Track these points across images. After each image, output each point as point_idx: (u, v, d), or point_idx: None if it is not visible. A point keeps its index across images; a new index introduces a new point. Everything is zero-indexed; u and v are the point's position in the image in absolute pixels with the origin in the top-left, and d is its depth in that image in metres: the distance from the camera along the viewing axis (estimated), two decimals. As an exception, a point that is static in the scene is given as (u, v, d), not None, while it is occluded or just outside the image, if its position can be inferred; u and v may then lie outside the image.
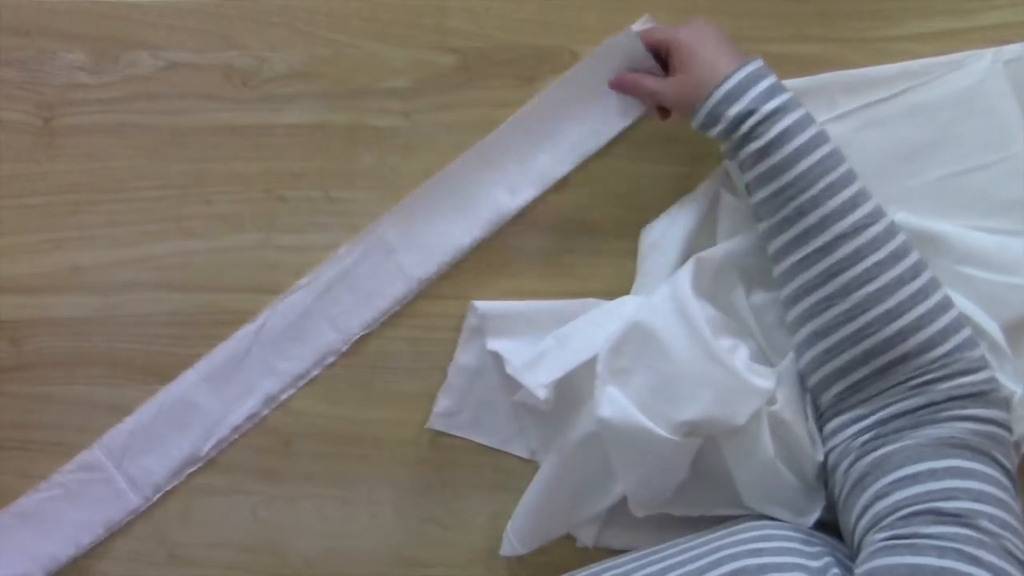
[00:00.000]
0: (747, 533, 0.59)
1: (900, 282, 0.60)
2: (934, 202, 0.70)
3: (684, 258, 0.71)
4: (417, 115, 0.76)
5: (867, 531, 0.55)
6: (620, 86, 0.73)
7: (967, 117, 0.71)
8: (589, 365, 0.67)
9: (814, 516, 0.64)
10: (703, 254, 0.69)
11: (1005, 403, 0.60)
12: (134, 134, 0.77)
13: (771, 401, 0.64)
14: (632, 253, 0.74)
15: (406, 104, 0.76)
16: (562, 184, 0.76)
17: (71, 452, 0.76)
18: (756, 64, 0.65)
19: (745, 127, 0.64)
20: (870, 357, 0.61)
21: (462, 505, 0.76)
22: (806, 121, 0.64)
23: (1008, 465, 0.57)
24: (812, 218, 0.62)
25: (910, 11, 0.75)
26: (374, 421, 0.76)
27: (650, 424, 0.64)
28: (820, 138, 0.64)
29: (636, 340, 0.67)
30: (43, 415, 0.76)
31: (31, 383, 0.76)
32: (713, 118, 0.65)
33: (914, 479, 0.55)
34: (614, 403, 0.65)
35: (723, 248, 0.70)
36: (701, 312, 0.65)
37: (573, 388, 0.70)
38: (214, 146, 0.77)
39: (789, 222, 0.64)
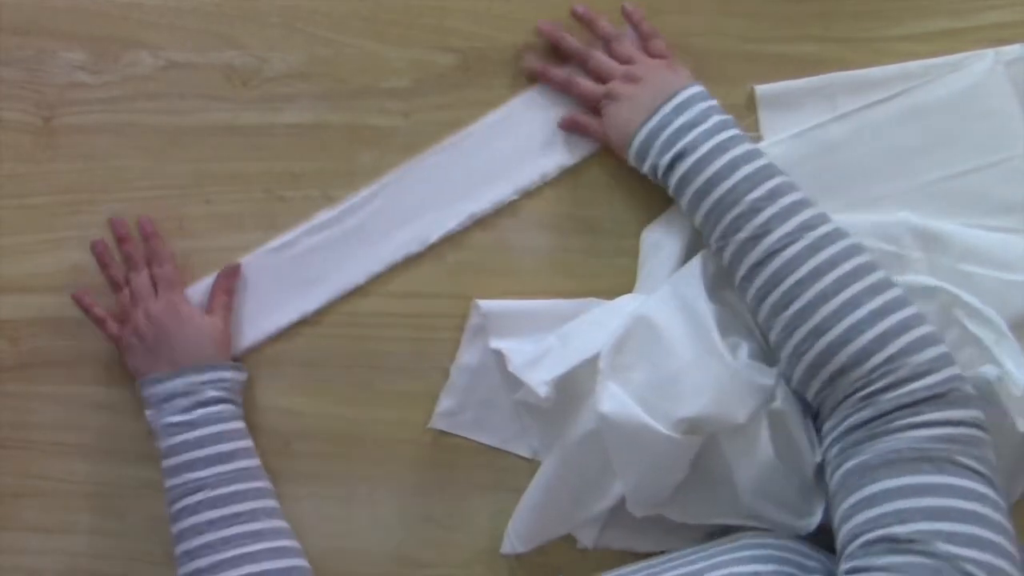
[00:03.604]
0: (745, 552, 0.59)
1: (823, 298, 0.60)
2: (935, 203, 0.70)
3: (685, 257, 0.71)
4: (417, 115, 0.76)
5: (839, 559, 0.54)
6: (570, 126, 0.75)
7: (967, 118, 0.71)
8: (591, 364, 0.68)
9: (815, 519, 0.64)
10: (708, 252, 0.69)
11: (970, 400, 0.57)
12: (134, 134, 0.77)
13: (771, 398, 0.64)
14: (633, 252, 0.74)
15: (406, 104, 0.76)
16: (562, 183, 0.76)
17: (71, 452, 0.76)
18: (661, 114, 0.68)
19: (657, 179, 0.70)
20: (813, 373, 0.61)
21: (462, 505, 0.76)
22: (707, 159, 0.66)
23: (980, 468, 0.54)
24: (727, 255, 0.65)
25: (910, 11, 0.75)
26: (375, 421, 0.76)
27: (650, 420, 0.64)
28: (724, 172, 0.65)
29: (638, 336, 0.67)
30: (43, 415, 0.76)
31: (31, 383, 0.76)
32: (637, 165, 0.71)
33: (869, 502, 0.54)
34: (615, 399, 0.65)
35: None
36: (705, 309, 0.65)
37: (575, 387, 0.69)
38: (214, 146, 0.77)
39: (716, 253, 0.67)
